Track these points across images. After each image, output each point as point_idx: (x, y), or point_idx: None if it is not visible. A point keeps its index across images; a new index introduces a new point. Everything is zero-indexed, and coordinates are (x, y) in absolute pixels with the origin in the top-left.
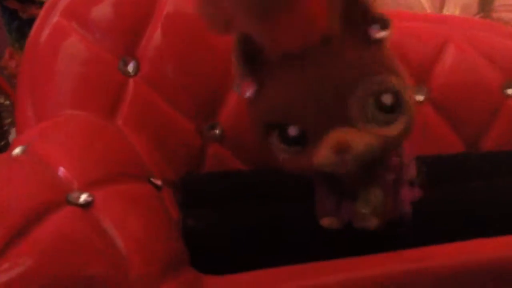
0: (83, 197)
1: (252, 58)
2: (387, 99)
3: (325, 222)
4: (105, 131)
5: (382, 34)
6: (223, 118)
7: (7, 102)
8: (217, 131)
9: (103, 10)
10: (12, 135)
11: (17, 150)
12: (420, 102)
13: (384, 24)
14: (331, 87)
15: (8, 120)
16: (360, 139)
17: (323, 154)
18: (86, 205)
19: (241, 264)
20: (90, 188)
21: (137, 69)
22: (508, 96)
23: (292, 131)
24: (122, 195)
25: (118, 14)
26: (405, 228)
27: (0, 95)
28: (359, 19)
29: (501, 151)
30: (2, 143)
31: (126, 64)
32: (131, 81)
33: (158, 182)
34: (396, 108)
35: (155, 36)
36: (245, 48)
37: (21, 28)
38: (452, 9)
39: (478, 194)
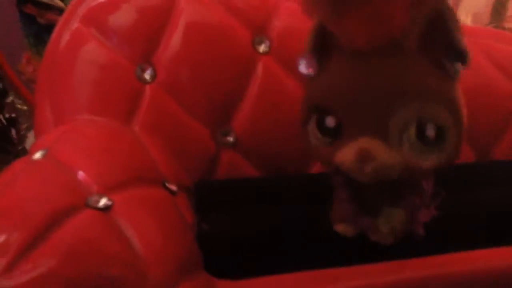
0: (103, 201)
1: (325, 40)
2: (430, 130)
3: (340, 228)
4: (123, 136)
5: (457, 68)
6: (237, 124)
7: (24, 107)
8: (231, 138)
9: (121, 17)
10: (29, 139)
11: (37, 155)
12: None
13: (462, 59)
14: (382, 95)
15: (25, 125)
16: (385, 157)
17: (346, 155)
18: (106, 208)
19: (254, 269)
20: (109, 192)
21: (154, 76)
22: None
23: (330, 121)
24: (139, 199)
25: (136, 21)
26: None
27: (18, 100)
28: (439, 45)
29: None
30: (20, 148)
31: (143, 71)
32: (147, 87)
33: (173, 187)
34: (436, 142)
35: (171, 44)
36: (322, 30)
37: (39, 33)
38: (463, 18)
39: (488, 203)
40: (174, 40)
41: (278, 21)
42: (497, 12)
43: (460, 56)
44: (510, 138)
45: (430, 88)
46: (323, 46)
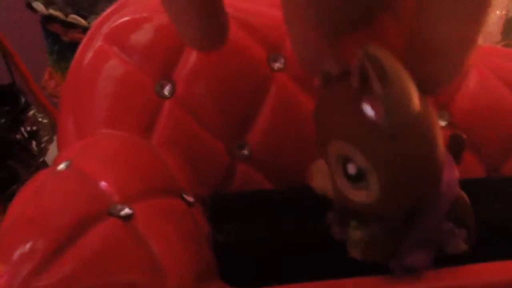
0: (125, 210)
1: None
2: (350, 169)
3: (333, 230)
4: (142, 149)
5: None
6: (252, 138)
7: (45, 121)
8: (245, 151)
9: (142, 36)
10: (50, 152)
11: (62, 166)
12: (442, 127)
13: (388, 116)
14: (324, 126)
15: (46, 138)
16: (320, 180)
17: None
18: (127, 217)
19: (268, 278)
20: (130, 202)
21: (173, 91)
22: None
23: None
24: (158, 209)
25: (156, 40)
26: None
27: (39, 114)
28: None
29: None
30: (40, 160)
31: (162, 87)
32: (166, 103)
33: (190, 199)
34: (359, 180)
35: (190, 61)
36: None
37: (62, 50)
38: None
39: (498, 219)
40: (192, 57)
41: None
42: (508, 30)
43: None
44: None
45: (354, 132)
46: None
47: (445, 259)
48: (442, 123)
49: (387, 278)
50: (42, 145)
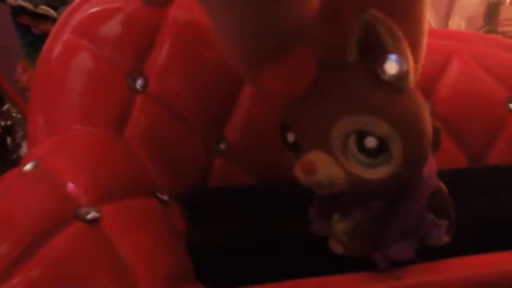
0: (91, 213)
1: None
2: (370, 142)
3: (313, 228)
4: (114, 147)
5: (388, 75)
6: (229, 132)
7: (19, 116)
8: (223, 145)
9: (112, 28)
10: (24, 148)
11: (28, 166)
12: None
13: (397, 71)
14: (323, 110)
15: (20, 134)
16: (326, 167)
17: (296, 168)
18: (94, 221)
19: (246, 278)
20: (98, 204)
21: (145, 85)
22: None
23: (290, 136)
24: (128, 210)
25: (126, 31)
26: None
27: (13, 109)
28: (374, 55)
29: (505, 165)
30: (14, 156)
31: (134, 81)
32: (139, 97)
33: (165, 197)
34: (379, 154)
35: (162, 53)
36: None
37: (33, 43)
38: (457, 21)
39: (481, 209)
40: (164, 49)
41: None
42: (490, 15)
43: (393, 64)
44: (502, 144)
45: (364, 99)
46: None
47: (429, 253)
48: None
49: (369, 274)
50: (17, 141)
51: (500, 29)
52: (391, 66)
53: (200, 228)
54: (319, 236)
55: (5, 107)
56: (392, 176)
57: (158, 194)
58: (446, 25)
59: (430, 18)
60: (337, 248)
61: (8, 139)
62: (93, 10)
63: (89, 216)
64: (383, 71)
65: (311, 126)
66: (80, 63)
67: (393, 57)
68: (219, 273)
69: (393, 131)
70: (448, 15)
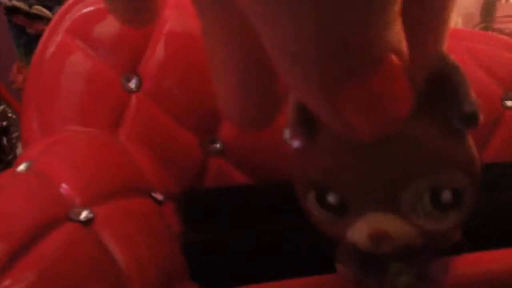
0: (84, 214)
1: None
2: (446, 197)
3: (341, 270)
4: (108, 147)
5: (467, 128)
6: (224, 132)
7: (14, 116)
8: (218, 145)
9: (106, 28)
10: (19, 149)
11: (21, 167)
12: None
13: (473, 119)
14: (390, 171)
15: (16, 134)
16: (400, 230)
17: (358, 235)
18: (87, 221)
19: (243, 279)
20: (92, 204)
21: (140, 85)
22: (508, 107)
23: (332, 198)
24: (122, 210)
25: (120, 31)
26: None
27: (9, 109)
28: (444, 103)
29: (502, 162)
30: (10, 157)
31: (128, 81)
32: (133, 97)
33: (160, 197)
34: (452, 205)
35: (156, 53)
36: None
37: (29, 43)
38: (454, 19)
39: (478, 207)
40: (158, 49)
41: None
42: (487, 12)
43: (471, 117)
44: (498, 141)
45: (442, 153)
46: (309, 115)
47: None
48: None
49: None
50: (13, 142)
51: (496, 26)
52: (470, 120)
53: (195, 229)
54: (317, 236)
55: (1, 108)
56: (459, 222)
57: (153, 194)
58: None
59: None
60: None
61: (4, 140)
62: (87, 10)
63: (82, 217)
64: (461, 121)
65: (373, 186)
66: (74, 63)
67: (472, 110)
68: (215, 273)
69: (468, 180)
70: None
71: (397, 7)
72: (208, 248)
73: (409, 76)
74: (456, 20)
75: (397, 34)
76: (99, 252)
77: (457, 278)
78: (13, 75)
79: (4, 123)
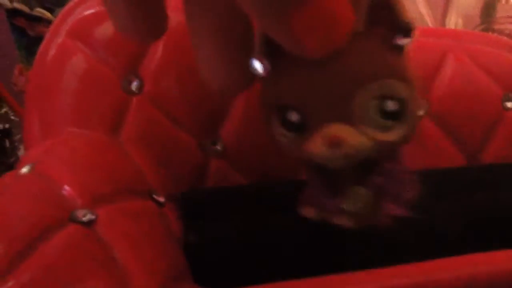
0: (87, 216)
1: (272, 42)
2: (391, 105)
3: (304, 211)
4: (109, 149)
5: (404, 41)
6: (225, 133)
7: (16, 119)
8: (218, 147)
9: (107, 30)
10: (22, 151)
11: (24, 169)
12: (420, 116)
13: (408, 32)
14: (340, 82)
15: (18, 136)
16: (354, 138)
17: (316, 145)
18: (89, 223)
19: (244, 278)
20: (93, 206)
21: (141, 87)
22: (508, 109)
23: (292, 116)
24: (124, 212)
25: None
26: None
27: (11, 112)
28: (385, 24)
29: (502, 163)
30: (12, 159)
31: (129, 83)
32: (134, 99)
33: (161, 199)
34: (398, 115)
35: (157, 55)
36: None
37: (30, 45)
38: (454, 20)
39: (479, 207)
40: (159, 51)
41: None
42: (487, 13)
43: (405, 28)
44: (499, 141)
45: (385, 65)
46: (271, 45)
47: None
48: (420, 112)
49: (367, 273)
50: (15, 144)
51: (496, 27)
52: (406, 33)
53: (197, 229)
54: (318, 236)
55: (3, 110)
56: (406, 136)
57: (154, 196)
58: (443, 23)
59: (426, 17)
60: (347, 222)
61: (6, 142)
62: (88, 12)
63: (84, 218)
64: (399, 38)
65: (326, 99)
66: (75, 65)
67: (406, 24)
68: (216, 273)
69: (409, 91)
70: (444, 13)
71: None
72: (209, 248)
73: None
74: (456, 21)
75: None
76: (101, 252)
77: (456, 279)
78: (15, 78)
79: (6, 126)
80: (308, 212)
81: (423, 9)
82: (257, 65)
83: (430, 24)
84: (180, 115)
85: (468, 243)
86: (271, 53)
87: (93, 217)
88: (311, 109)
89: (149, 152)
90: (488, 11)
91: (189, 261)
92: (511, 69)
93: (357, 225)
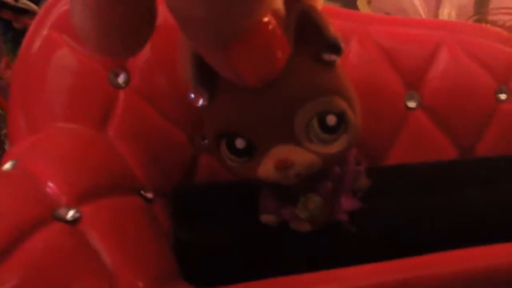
0: (71, 213)
1: (207, 70)
2: (330, 120)
3: (264, 218)
4: (96, 144)
5: (333, 57)
6: None
7: (3, 113)
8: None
9: None
10: (8, 146)
11: (7, 165)
12: (413, 109)
13: (335, 47)
14: (280, 105)
15: (4, 131)
16: (302, 157)
17: (266, 169)
18: (74, 221)
19: (234, 276)
20: (78, 203)
21: (128, 80)
22: (501, 101)
23: (239, 143)
24: (110, 209)
25: None
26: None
27: None
28: (312, 40)
29: (496, 156)
30: None
31: (116, 76)
32: (121, 92)
33: (149, 195)
34: (339, 128)
35: (145, 48)
36: (201, 62)
37: (16, 38)
38: (448, 11)
39: (472, 201)
40: (147, 44)
41: None
42: (481, 4)
43: (333, 45)
44: (493, 135)
45: (319, 83)
46: (207, 73)
47: (419, 247)
48: (413, 104)
49: (360, 269)
50: (1, 138)
51: (490, 18)
52: (334, 48)
53: (186, 226)
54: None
55: None
56: (350, 143)
57: (142, 192)
58: (436, 15)
59: (419, 8)
60: (304, 226)
61: None
62: None
63: (68, 216)
64: (328, 55)
65: (269, 123)
66: (61, 59)
67: (332, 40)
68: (206, 271)
69: (346, 102)
70: (438, 4)
71: None
72: (198, 245)
73: (285, 26)
74: (449, 12)
75: None
76: (85, 251)
77: (455, 273)
78: (1, 71)
79: None
80: (268, 220)
81: (416, 1)
82: (196, 97)
83: (423, 16)
84: (169, 109)
85: (462, 237)
86: (208, 83)
87: (77, 215)
88: (257, 135)
89: (138, 147)
90: (481, 2)
91: (179, 258)
92: (504, 61)
93: (314, 228)
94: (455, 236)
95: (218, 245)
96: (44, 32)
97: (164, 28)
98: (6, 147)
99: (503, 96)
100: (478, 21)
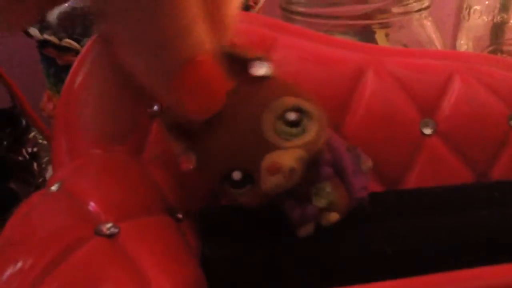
0: (110, 229)
1: (181, 131)
2: (290, 115)
3: (302, 232)
4: (131, 169)
5: (262, 71)
6: None
7: (44, 142)
8: None
9: None
10: (49, 172)
11: (53, 187)
12: (428, 135)
13: (261, 62)
14: (243, 127)
15: (45, 159)
16: (287, 155)
17: (265, 181)
18: (112, 235)
19: None
20: (117, 220)
21: (160, 109)
22: None
23: (236, 175)
24: (145, 226)
25: None
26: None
27: (39, 135)
28: (242, 65)
29: (510, 180)
30: (40, 180)
31: (152, 105)
32: (155, 121)
33: (179, 215)
34: (302, 119)
35: None
36: (174, 123)
37: (58, 73)
38: (465, 42)
39: (486, 221)
40: None
41: None
42: (496, 35)
43: (256, 61)
44: (507, 159)
45: (265, 93)
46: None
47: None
48: (428, 131)
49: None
50: (43, 166)
51: (505, 48)
52: (259, 70)
53: (214, 243)
54: (330, 245)
55: (32, 134)
56: (321, 126)
57: (173, 212)
58: (454, 47)
59: (435, 40)
60: (333, 216)
61: (34, 165)
62: None
63: (108, 231)
64: (254, 70)
65: (247, 146)
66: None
67: (255, 59)
68: (230, 286)
69: (297, 98)
70: (454, 36)
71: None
72: (227, 262)
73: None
74: (467, 43)
75: (201, 35)
76: (124, 263)
77: None
78: (44, 103)
79: (35, 149)
80: (306, 230)
81: (432, 34)
82: (187, 161)
83: (439, 47)
84: None
85: (474, 257)
86: (187, 144)
87: (116, 230)
88: (242, 160)
89: (168, 171)
90: (496, 33)
91: (207, 274)
92: None
93: (342, 216)
94: (469, 255)
95: (247, 260)
96: (86, 68)
97: None
98: (48, 173)
99: None
100: (493, 51)
